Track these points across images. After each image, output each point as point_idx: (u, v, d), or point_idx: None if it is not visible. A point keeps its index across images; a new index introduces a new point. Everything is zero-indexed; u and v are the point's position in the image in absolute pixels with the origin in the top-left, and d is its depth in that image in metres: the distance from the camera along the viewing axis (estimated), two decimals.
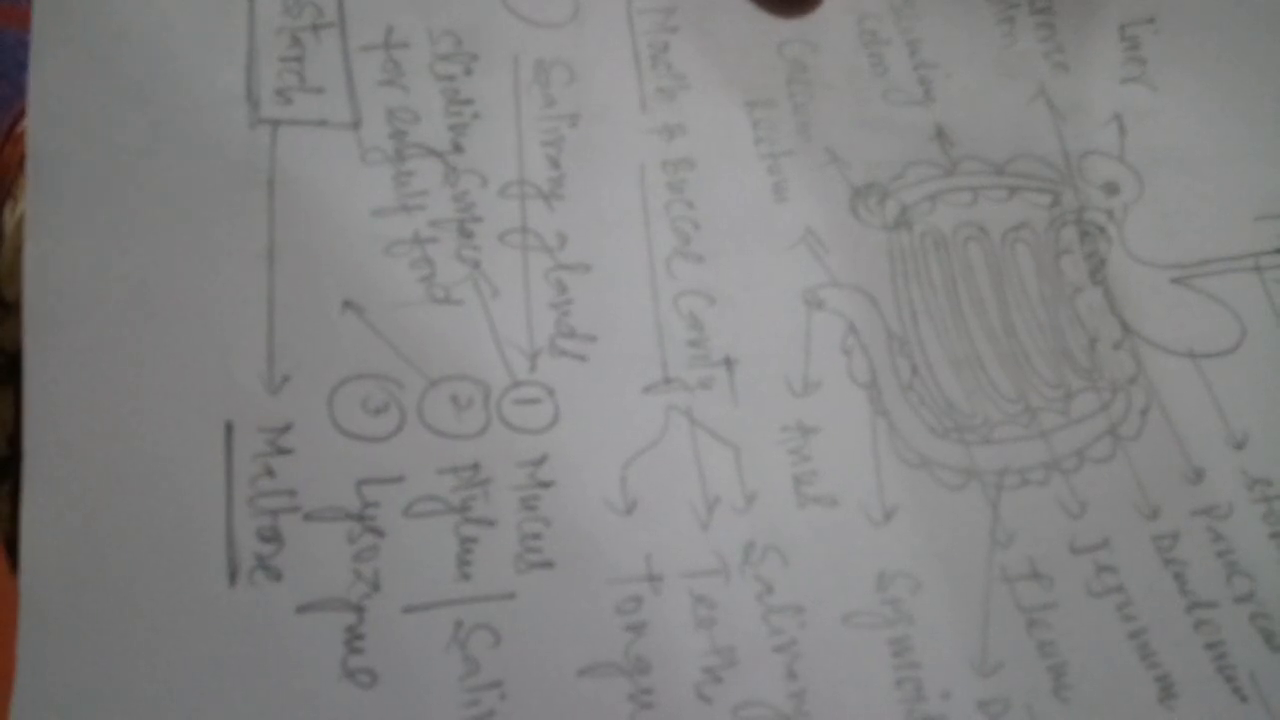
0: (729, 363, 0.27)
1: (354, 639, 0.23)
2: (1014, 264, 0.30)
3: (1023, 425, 0.28)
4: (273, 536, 0.23)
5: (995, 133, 0.31)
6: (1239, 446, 0.28)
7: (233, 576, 0.23)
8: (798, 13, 0.31)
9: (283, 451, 0.24)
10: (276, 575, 0.23)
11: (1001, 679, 0.25)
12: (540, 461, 0.25)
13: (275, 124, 0.27)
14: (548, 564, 0.24)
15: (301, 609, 0.23)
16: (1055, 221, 0.30)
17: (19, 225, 0.25)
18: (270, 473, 0.24)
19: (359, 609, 0.23)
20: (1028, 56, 0.32)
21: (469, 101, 0.29)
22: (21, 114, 0.26)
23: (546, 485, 0.25)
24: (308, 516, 0.24)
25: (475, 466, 0.25)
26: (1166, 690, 0.25)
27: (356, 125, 0.28)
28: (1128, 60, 0.32)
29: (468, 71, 0.29)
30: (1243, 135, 0.32)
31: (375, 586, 0.23)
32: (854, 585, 0.25)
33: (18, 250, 0.24)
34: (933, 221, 0.30)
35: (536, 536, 0.25)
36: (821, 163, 0.30)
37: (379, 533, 0.24)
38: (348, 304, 0.26)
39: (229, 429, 0.24)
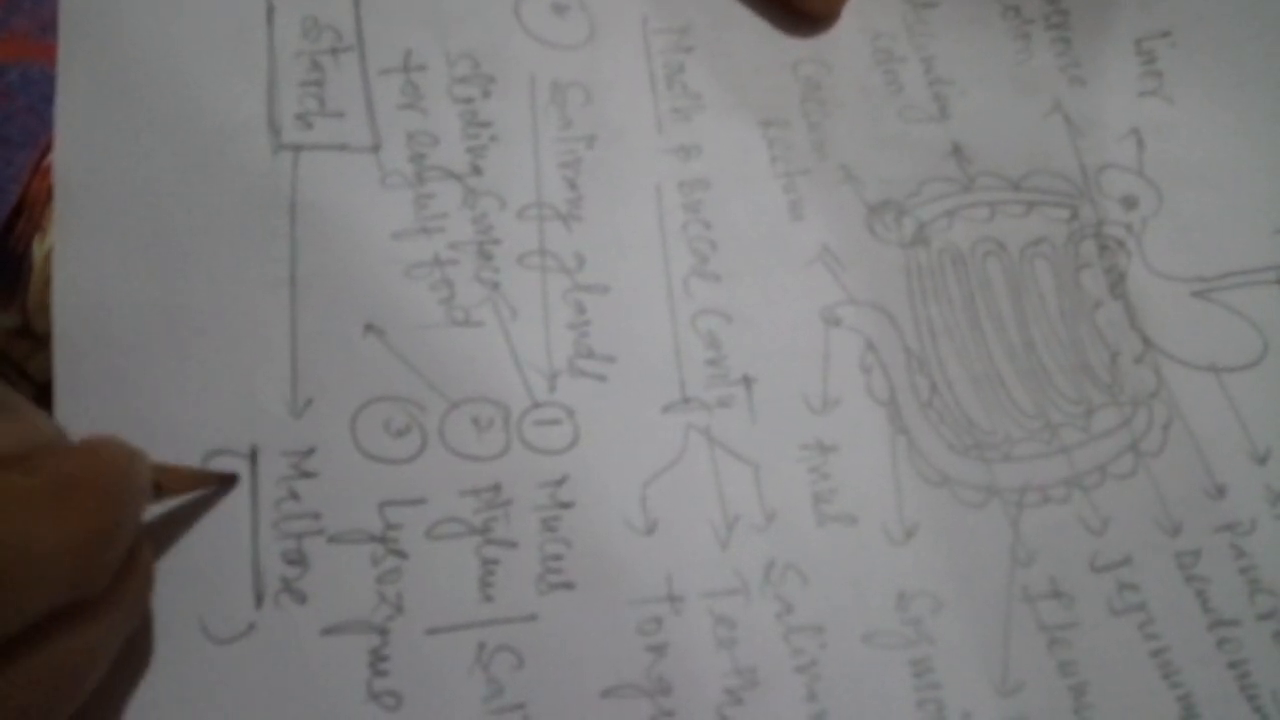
0: (747, 381, 0.27)
1: (378, 661, 0.23)
2: (1033, 279, 0.30)
3: (1043, 442, 0.28)
4: (298, 559, 0.24)
5: (1012, 148, 0.31)
6: (1261, 461, 0.28)
7: (259, 599, 0.23)
8: (812, 32, 0.31)
9: (307, 475, 0.24)
10: (301, 598, 0.23)
11: (1022, 699, 0.25)
12: (561, 482, 0.25)
13: (297, 149, 0.27)
14: (569, 585, 0.24)
15: (326, 631, 0.23)
16: (1074, 236, 0.30)
17: (48, 258, 0.25)
18: (295, 496, 0.24)
19: (383, 631, 0.23)
20: (1043, 71, 0.32)
21: (487, 124, 0.29)
22: (48, 147, 0.26)
23: (567, 506, 0.25)
24: (332, 539, 0.24)
25: (496, 488, 0.25)
26: (1188, 710, 0.25)
27: (376, 149, 0.28)
28: (1144, 74, 0.32)
29: (485, 94, 0.29)
30: (1261, 147, 0.31)
31: (399, 609, 0.24)
32: (874, 605, 0.25)
33: (47, 282, 0.25)
34: (950, 238, 0.30)
35: (558, 557, 0.25)
36: (837, 181, 0.30)
37: (402, 555, 0.24)
38: (369, 327, 0.26)
39: (254, 453, 0.24)
